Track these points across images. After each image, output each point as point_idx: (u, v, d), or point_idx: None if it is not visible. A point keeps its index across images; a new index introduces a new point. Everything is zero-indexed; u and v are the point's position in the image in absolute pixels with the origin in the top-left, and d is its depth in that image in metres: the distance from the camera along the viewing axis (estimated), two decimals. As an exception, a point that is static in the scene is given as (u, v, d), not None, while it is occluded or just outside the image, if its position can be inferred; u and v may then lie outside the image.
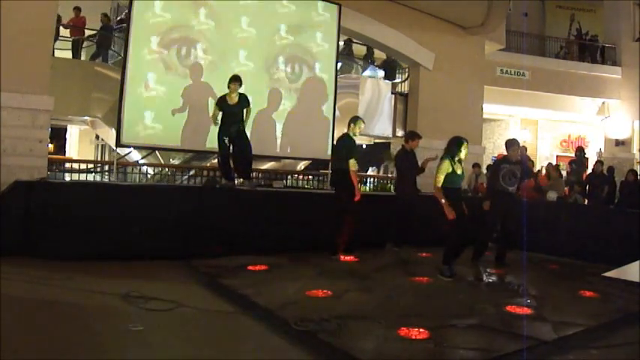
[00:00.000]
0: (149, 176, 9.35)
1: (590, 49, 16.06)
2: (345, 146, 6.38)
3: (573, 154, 12.53)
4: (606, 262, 6.37)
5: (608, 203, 9.98)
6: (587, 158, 12.42)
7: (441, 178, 5.46)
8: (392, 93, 11.57)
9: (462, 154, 5.62)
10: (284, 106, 8.48)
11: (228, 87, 6.72)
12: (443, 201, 5.43)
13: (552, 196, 9.24)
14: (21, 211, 5.46)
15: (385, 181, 11.75)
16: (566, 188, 10.19)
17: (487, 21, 10.91)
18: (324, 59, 8.94)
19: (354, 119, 6.59)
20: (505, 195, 6.14)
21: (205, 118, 7.38)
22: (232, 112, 6.76)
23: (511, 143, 6.33)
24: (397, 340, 3.53)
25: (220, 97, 6.84)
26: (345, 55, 12.36)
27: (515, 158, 6.24)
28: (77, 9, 10.78)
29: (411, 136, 7.40)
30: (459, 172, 5.58)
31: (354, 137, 6.48)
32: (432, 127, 10.02)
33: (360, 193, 6.32)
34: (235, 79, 6.73)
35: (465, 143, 5.66)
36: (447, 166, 5.48)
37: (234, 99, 6.76)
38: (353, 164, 6.23)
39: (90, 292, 4.41)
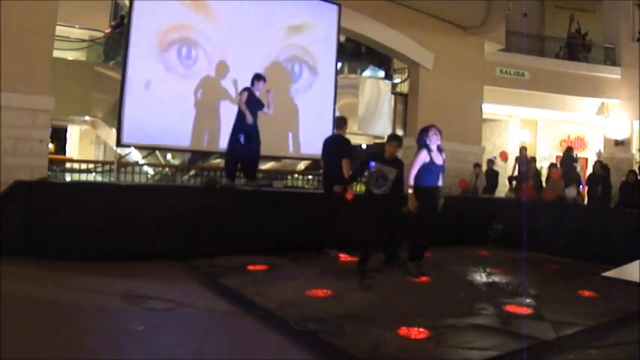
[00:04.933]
0: (149, 176, 9.35)
1: (576, 47, 16.10)
2: None
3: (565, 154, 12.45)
4: (606, 262, 6.38)
5: (603, 202, 9.99)
6: (578, 159, 12.36)
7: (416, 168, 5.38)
8: (392, 93, 11.58)
9: (432, 141, 5.40)
10: (284, 105, 8.49)
11: (254, 84, 6.91)
12: (410, 190, 5.33)
13: (571, 194, 9.21)
14: (21, 211, 5.46)
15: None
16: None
17: (486, 21, 10.93)
18: (324, 59, 8.95)
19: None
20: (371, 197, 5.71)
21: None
22: (257, 107, 6.88)
23: (390, 138, 5.92)
24: (397, 340, 3.53)
25: (249, 88, 6.88)
26: (352, 55, 12.40)
27: (391, 157, 5.75)
28: None
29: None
30: (438, 163, 5.43)
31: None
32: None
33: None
34: (262, 77, 6.97)
35: (433, 129, 5.42)
36: (424, 156, 5.37)
37: (259, 97, 6.93)
38: None
39: (90, 292, 4.41)
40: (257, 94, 6.92)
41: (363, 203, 5.78)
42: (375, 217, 5.57)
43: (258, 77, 6.99)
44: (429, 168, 5.35)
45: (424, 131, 5.47)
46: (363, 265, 5.68)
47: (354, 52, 12.31)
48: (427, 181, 5.38)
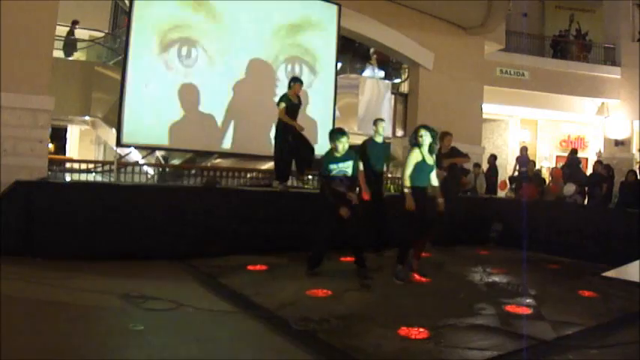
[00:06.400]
0: (149, 176, 9.36)
1: (566, 45, 16.12)
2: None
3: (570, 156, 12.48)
4: (606, 262, 6.37)
5: (605, 202, 9.99)
6: (580, 160, 12.38)
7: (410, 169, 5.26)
8: (392, 93, 11.58)
9: (422, 141, 5.26)
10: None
11: (291, 86, 6.90)
12: (406, 190, 5.20)
13: (569, 191, 9.20)
14: (21, 211, 5.45)
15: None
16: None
17: (487, 21, 10.94)
18: (324, 59, 8.95)
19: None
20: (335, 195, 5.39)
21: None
22: (295, 110, 6.93)
23: (336, 134, 5.46)
24: (397, 340, 3.53)
25: (285, 95, 6.86)
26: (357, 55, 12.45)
27: (343, 151, 5.41)
28: None
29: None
30: (429, 162, 5.31)
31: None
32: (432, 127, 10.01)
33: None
34: (300, 80, 7.03)
35: (422, 129, 5.30)
36: (416, 155, 5.26)
37: (296, 98, 6.94)
38: None
39: (90, 292, 4.40)
40: (297, 95, 6.94)
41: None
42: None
43: (294, 80, 7.00)
44: (421, 167, 5.28)
45: (415, 130, 5.45)
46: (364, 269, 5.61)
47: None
48: (417, 181, 5.30)
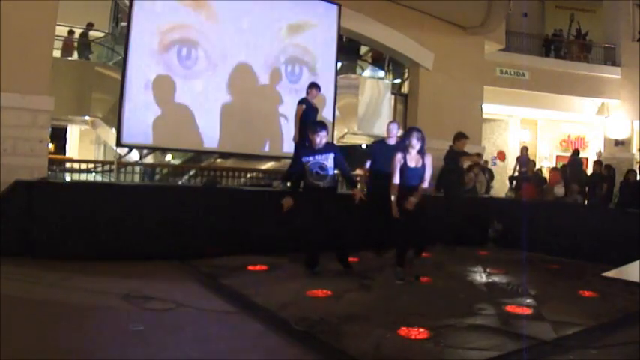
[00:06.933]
0: (147, 177, 9.35)
1: (558, 44, 16.14)
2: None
3: (572, 157, 12.49)
4: (606, 262, 6.37)
5: (605, 202, 9.99)
6: (581, 161, 12.40)
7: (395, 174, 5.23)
8: (392, 93, 11.59)
9: (410, 144, 5.19)
10: (284, 106, 8.49)
11: (309, 92, 6.84)
12: (393, 198, 5.18)
13: (560, 191, 9.24)
14: (21, 211, 5.46)
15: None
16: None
17: (487, 21, 10.94)
18: (324, 59, 8.95)
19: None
20: (314, 191, 5.41)
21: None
22: (313, 115, 6.82)
23: (313, 128, 5.44)
24: (397, 340, 3.53)
25: (305, 98, 6.82)
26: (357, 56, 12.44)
27: (320, 144, 5.37)
28: None
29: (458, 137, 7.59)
30: (413, 165, 5.23)
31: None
32: (432, 127, 10.00)
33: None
34: (317, 85, 6.93)
35: (413, 132, 5.25)
36: (398, 159, 5.22)
37: (314, 103, 6.89)
38: None
39: (90, 292, 4.41)
40: (313, 101, 6.89)
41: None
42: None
43: (312, 85, 6.94)
44: (403, 171, 5.24)
45: (404, 134, 5.45)
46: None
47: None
48: (401, 181, 5.26)
